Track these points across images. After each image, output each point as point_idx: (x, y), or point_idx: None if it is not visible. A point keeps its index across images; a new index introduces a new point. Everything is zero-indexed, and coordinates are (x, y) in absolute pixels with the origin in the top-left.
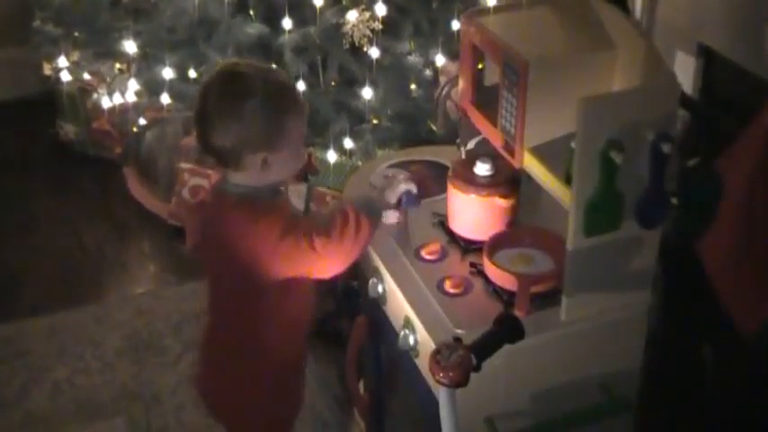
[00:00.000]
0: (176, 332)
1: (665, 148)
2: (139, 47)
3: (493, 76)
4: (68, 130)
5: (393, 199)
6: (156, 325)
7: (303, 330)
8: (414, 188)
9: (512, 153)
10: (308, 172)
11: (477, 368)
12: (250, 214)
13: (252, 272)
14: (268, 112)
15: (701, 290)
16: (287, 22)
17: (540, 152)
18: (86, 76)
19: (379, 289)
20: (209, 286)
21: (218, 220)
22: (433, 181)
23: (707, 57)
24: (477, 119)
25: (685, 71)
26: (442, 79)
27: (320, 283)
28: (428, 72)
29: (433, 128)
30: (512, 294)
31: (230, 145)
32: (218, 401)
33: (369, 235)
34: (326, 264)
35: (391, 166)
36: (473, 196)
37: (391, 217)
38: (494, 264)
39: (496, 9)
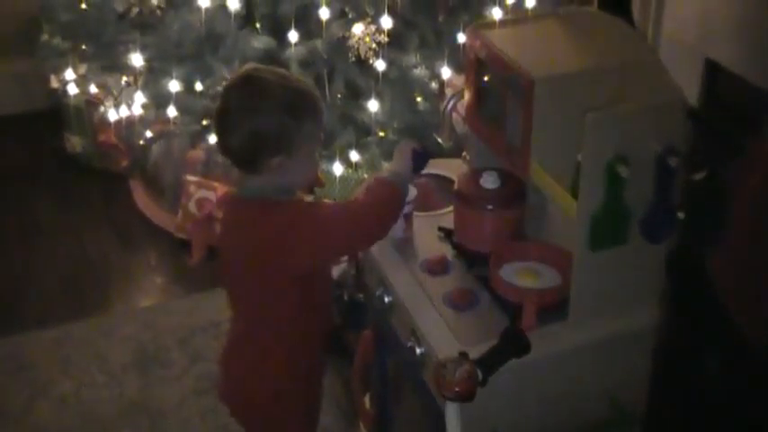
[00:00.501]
0: (183, 345)
1: (672, 161)
2: (146, 60)
3: (498, 89)
4: (75, 142)
5: (406, 162)
6: (163, 338)
7: (321, 335)
8: (418, 146)
9: (518, 166)
10: (313, 185)
11: (484, 383)
12: (269, 208)
13: (277, 269)
14: (286, 115)
15: (709, 305)
16: (293, 35)
17: (547, 165)
18: (93, 89)
19: (386, 301)
20: (228, 290)
21: (237, 225)
22: (439, 194)
23: (712, 71)
24: (483, 131)
25: (691, 85)
26: (448, 92)
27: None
28: (434, 85)
29: (440, 141)
30: (518, 308)
31: (248, 147)
32: (240, 407)
33: (400, 200)
34: (363, 223)
35: None
36: (479, 209)
37: (398, 230)
38: (500, 278)
39: (502, 23)
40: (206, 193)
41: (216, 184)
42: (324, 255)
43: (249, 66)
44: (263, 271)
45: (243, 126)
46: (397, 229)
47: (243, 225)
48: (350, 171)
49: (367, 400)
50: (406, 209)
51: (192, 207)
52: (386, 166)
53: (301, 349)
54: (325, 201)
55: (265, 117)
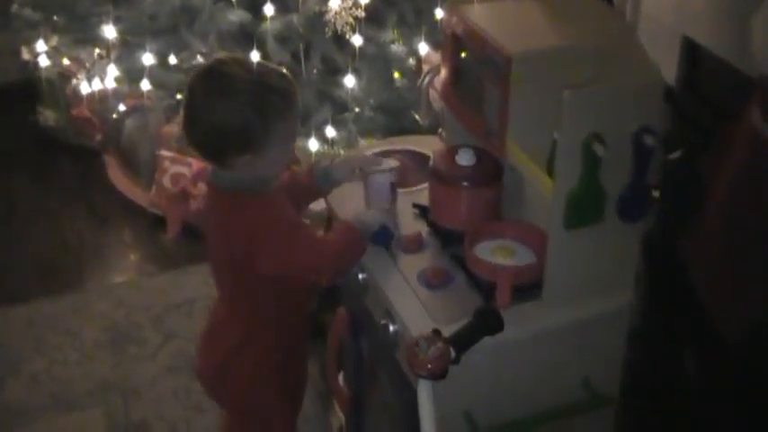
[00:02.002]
0: (156, 323)
1: (649, 140)
2: (120, 33)
3: (475, 65)
4: (48, 116)
5: (381, 203)
6: (136, 316)
7: (302, 319)
8: (390, 222)
9: (494, 144)
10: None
11: (457, 360)
12: (236, 207)
13: (244, 264)
14: (251, 113)
15: (683, 286)
16: (269, 9)
17: (523, 143)
18: (66, 62)
19: (360, 279)
20: (211, 272)
21: (210, 213)
22: (414, 171)
23: (691, 50)
24: (459, 108)
25: (669, 64)
26: (425, 68)
27: None
28: (411, 61)
29: (417, 117)
30: (492, 286)
31: (211, 142)
32: (220, 390)
33: (360, 252)
34: (314, 263)
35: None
36: (454, 186)
37: (385, 201)
38: (475, 255)
39: None
40: (180, 168)
41: (191, 160)
42: (284, 270)
43: (219, 58)
44: (233, 265)
45: (205, 121)
46: (384, 200)
47: (218, 216)
48: (326, 147)
49: (341, 379)
50: (391, 177)
51: (166, 182)
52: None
53: (283, 334)
54: (303, 222)
55: (227, 114)
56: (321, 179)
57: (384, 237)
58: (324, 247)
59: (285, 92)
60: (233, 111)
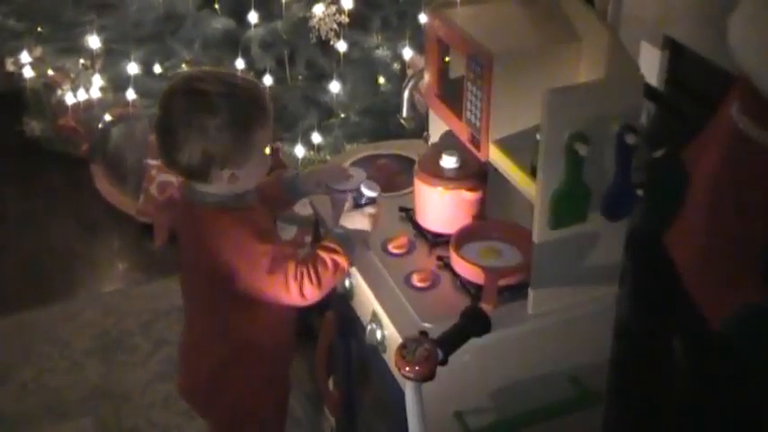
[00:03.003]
0: (146, 330)
1: (630, 139)
2: (104, 42)
3: (458, 68)
4: (34, 126)
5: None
6: (126, 323)
7: (282, 329)
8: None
9: (477, 146)
10: (276, 167)
11: (444, 362)
12: (219, 227)
13: (222, 281)
14: (237, 129)
15: (668, 282)
16: (253, 17)
17: (506, 145)
18: (51, 72)
19: (347, 283)
20: (182, 285)
21: (188, 228)
22: (400, 174)
23: (672, 48)
24: (443, 112)
25: (651, 63)
26: (410, 72)
27: None
28: (396, 66)
29: (402, 121)
30: (479, 288)
31: (197, 162)
32: (199, 401)
33: (342, 272)
34: (291, 291)
35: (356, 163)
36: (439, 189)
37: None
38: (461, 257)
39: (462, 1)
40: (168, 176)
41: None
42: (256, 286)
43: (190, 73)
44: (212, 281)
45: (192, 144)
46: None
47: (195, 233)
48: (312, 153)
49: (331, 382)
50: (373, 210)
51: (153, 191)
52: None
53: (268, 342)
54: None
55: (216, 135)
56: (288, 190)
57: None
58: (305, 284)
59: (259, 99)
60: (218, 130)
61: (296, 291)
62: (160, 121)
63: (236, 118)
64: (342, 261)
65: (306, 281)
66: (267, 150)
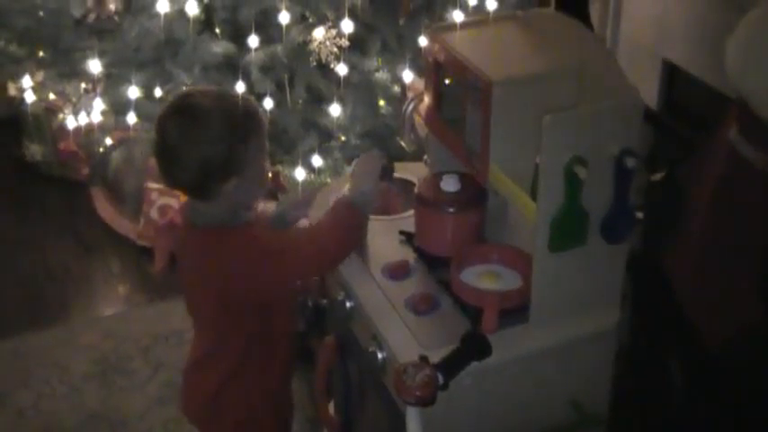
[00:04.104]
0: (145, 354)
1: (630, 162)
2: (105, 66)
3: (458, 92)
4: (35, 150)
5: (373, 178)
6: (125, 347)
7: (287, 341)
8: (385, 161)
9: (477, 169)
10: (276, 190)
11: (445, 387)
12: (227, 246)
13: (231, 301)
14: (233, 138)
15: (669, 304)
16: (253, 41)
17: (506, 168)
18: (52, 97)
19: (347, 306)
20: (188, 307)
21: (192, 253)
22: (400, 198)
23: (670, 72)
24: (443, 135)
25: (649, 86)
26: (410, 95)
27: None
28: (396, 88)
29: (403, 144)
30: (480, 311)
31: (198, 178)
32: (212, 422)
33: (362, 224)
34: (324, 248)
35: None
36: (440, 213)
37: None
38: (461, 281)
39: (460, 25)
40: (168, 200)
41: (178, 192)
42: (285, 282)
43: (180, 93)
44: (220, 301)
45: (190, 158)
46: None
47: (200, 255)
48: (312, 176)
49: (331, 406)
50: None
51: (154, 214)
52: (350, 174)
53: (272, 360)
54: (289, 230)
55: (212, 145)
56: (277, 224)
57: (389, 173)
58: (322, 241)
59: (250, 109)
60: (213, 141)
61: (305, 239)
62: (157, 143)
63: (229, 126)
64: (355, 210)
65: (313, 228)
66: (267, 164)
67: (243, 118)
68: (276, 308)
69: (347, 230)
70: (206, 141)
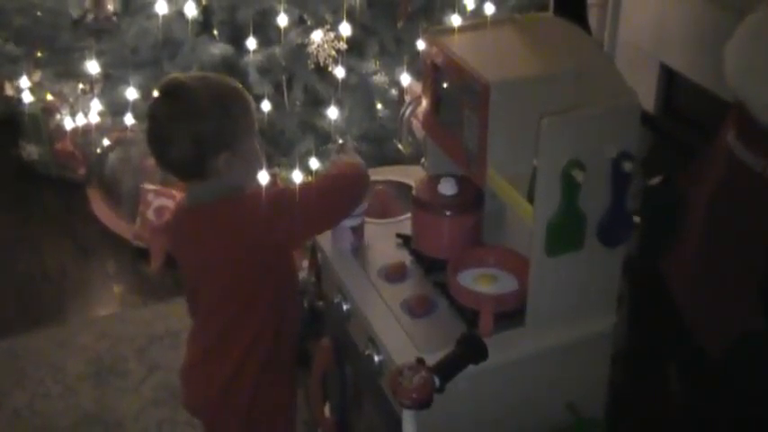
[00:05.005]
0: (140, 355)
1: (627, 166)
2: (102, 67)
3: (455, 95)
4: (31, 150)
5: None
6: (120, 348)
7: (288, 350)
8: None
9: (475, 172)
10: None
11: (441, 389)
12: (228, 202)
13: (237, 279)
14: (220, 111)
15: (666, 308)
16: (251, 43)
17: (503, 171)
18: (49, 97)
19: (344, 309)
20: (189, 304)
21: (194, 236)
22: (397, 201)
23: (668, 76)
24: (441, 138)
25: (647, 90)
26: (408, 98)
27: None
28: (394, 91)
29: (400, 147)
30: (476, 314)
31: (190, 153)
32: (221, 414)
33: (365, 179)
34: (333, 197)
35: None
36: (437, 216)
37: (347, 242)
38: (457, 283)
39: (458, 28)
40: (165, 201)
41: (175, 192)
42: (300, 229)
43: (164, 79)
44: (236, 273)
45: (180, 134)
46: (346, 241)
47: (207, 231)
48: (310, 178)
49: (327, 409)
50: (357, 221)
51: (150, 215)
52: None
53: (276, 355)
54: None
55: (201, 118)
56: None
57: None
58: (326, 185)
59: (237, 88)
60: (201, 115)
61: (312, 188)
62: (150, 128)
63: (216, 101)
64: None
65: (319, 179)
66: (257, 144)
67: (229, 95)
68: (281, 305)
69: (352, 179)
70: (194, 115)
